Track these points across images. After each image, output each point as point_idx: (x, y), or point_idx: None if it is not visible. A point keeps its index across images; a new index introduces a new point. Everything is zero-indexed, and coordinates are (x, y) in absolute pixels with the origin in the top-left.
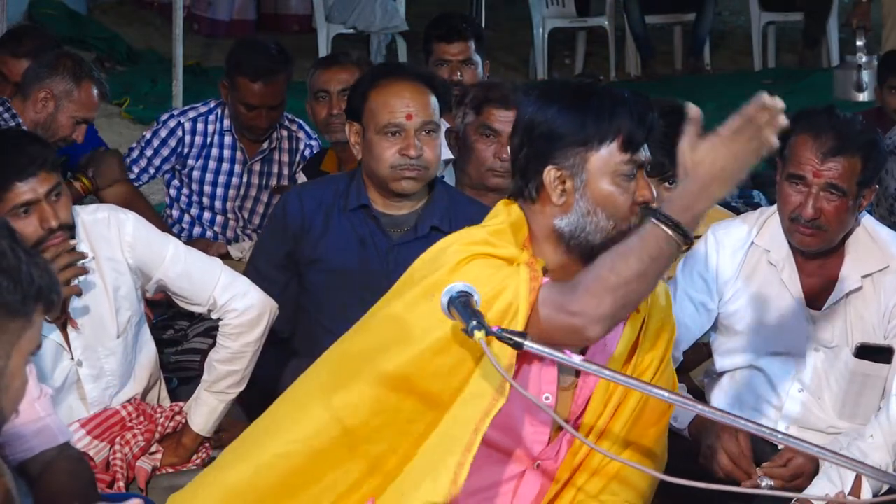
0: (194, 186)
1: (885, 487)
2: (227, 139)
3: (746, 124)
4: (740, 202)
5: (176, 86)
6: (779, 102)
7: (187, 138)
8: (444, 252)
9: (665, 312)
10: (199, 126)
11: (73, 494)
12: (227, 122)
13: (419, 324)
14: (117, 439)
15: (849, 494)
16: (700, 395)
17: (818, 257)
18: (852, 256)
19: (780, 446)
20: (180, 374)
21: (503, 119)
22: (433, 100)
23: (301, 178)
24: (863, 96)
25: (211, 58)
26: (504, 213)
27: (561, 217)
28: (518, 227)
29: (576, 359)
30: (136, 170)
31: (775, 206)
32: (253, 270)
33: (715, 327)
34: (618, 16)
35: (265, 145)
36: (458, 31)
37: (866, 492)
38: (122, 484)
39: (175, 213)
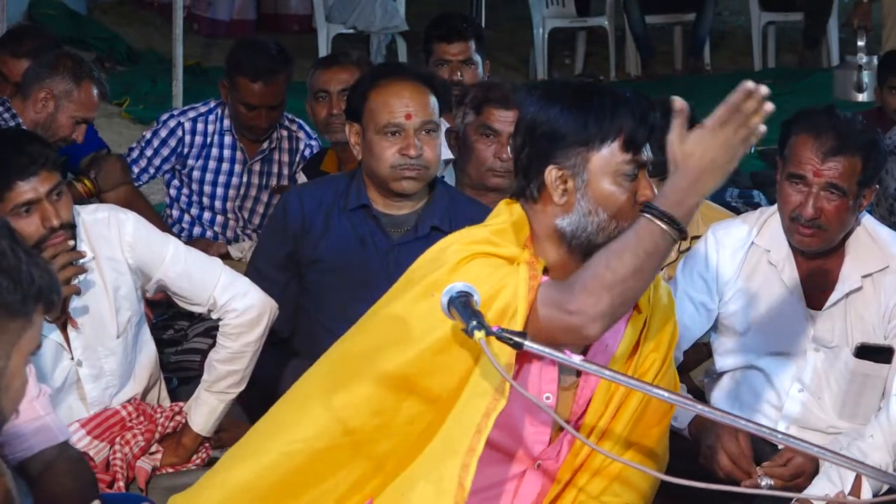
0: (194, 186)
1: (885, 487)
2: (227, 139)
3: (733, 114)
4: (740, 202)
5: (176, 86)
6: (763, 89)
7: (187, 138)
8: (444, 251)
9: (667, 313)
10: (199, 126)
11: (74, 495)
12: (227, 122)
13: (419, 324)
14: (117, 439)
15: (849, 494)
16: (700, 395)
17: (818, 257)
18: (852, 256)
19: (780, 446)
20: (180, 374)
21: (503, 119)
22: (433, 99)
23: (301, 178)
24: (863, 96)
25: (211, 58)
26: (506, 213)
27: (562, 217)
28: (519, 226)
29: (576, 359)
30: (136, 170)
31: (775, 206)
32: (253, 271)
33: (715, 327)
34: (618, 16)
35: (265, 145)
36: (458, 31)
37: (866, 492)
38: (122, 484)
39: (175, 213)
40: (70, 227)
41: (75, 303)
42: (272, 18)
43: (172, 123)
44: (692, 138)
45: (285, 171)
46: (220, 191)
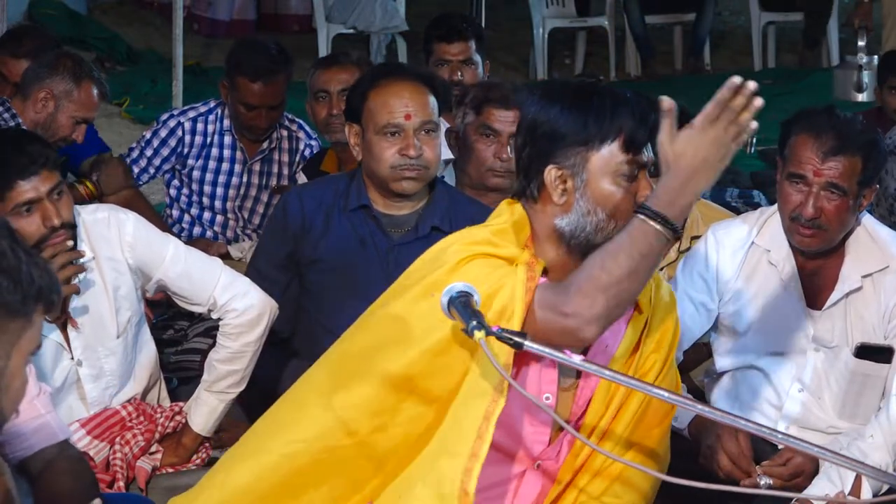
0: (194, 186)
1: (885, 487)
2: (227, 139)
3: (721, 110)
4: (740, 202)
5: (176, 86)
6: (751, 84)
7: (187, 138)
8: (444, 252)
9: (669, 314)
10: (199, 126)
11: (74, 494)
12: (227, 122)
13: (419, 324)
14: (117, 439)
15: (849, 494)
16: (700, 395)
17: (818, 257)
18: (852, 256)
19: (779, 446)
20: (180, 374)
21: (503, 119)
22: (432, 99)
23: (301, 178)
24: (862, 96)
25: (211, 58)
26: (507, 213)
27: (561, 217)
28: (520, 226)
29: (576, 359)
30: (136, 170)
31: (775, 206)
32: (254, 271)
33: (715, 327)
34: (618, 16)
35: (265, 145)
36: (458, 31)
37: (866, 492)
38: (122, 484)
39: (175, 213)
40: (71, 227)
41: (75, 303)
42: (272, 18)
43: (172, 123)
44: (682, 138)
45: (285, 171)
46: (220, 191)
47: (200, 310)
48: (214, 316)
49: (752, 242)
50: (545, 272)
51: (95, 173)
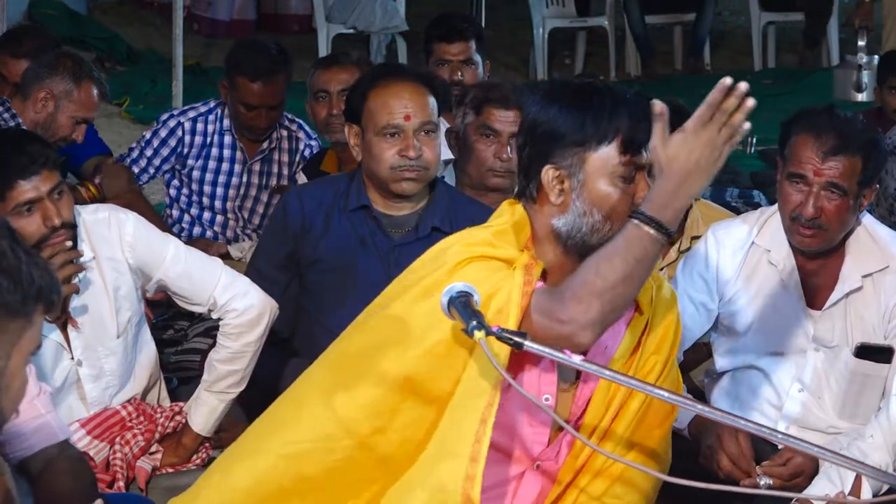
0: (194, 186)
1: (885, 487)
2: (227, 139)
3: (713, 112)
4: (740, 202)
5: (176, 86)
6: (743, 85)
7: (187, 138)
8: (443, 253)
9: (670, 315)
10: (199, 126)
11: (74, 494)
12: (226, 122)
13: (419, 324)
14: (117, 439)
15: (849, 494)
16: (700, 395)
17: (819, 257)
18: (853, 256)
19: (779, 446)
20: (180, 374)
21: (503, 119)
22: (432, 100)
23: (301, 178)
24: (862, 96)
25: (211, 58)
26: (508, 213)
27: (558, 217)
28: (520, 227)
29: (576, 359)
30: (136, 170)
31: (776, 205)
32: (254, 271)
33: (715, 327)
34: (618, 16)
35: (265, 145)
36: (458, 31)
37: (866, 492)
38: (122, 484)
39: (175, 213)
40: (71, 227)
41: (75, 302)
42: (272, 18)
43: (172, 123)
44: (675, 141)
45: (285, 171)
46: (219, 191)
47: (200, 310)
48: (214, 316)
49: (753, 242)
50: (544, 274)
51: (98, 176)
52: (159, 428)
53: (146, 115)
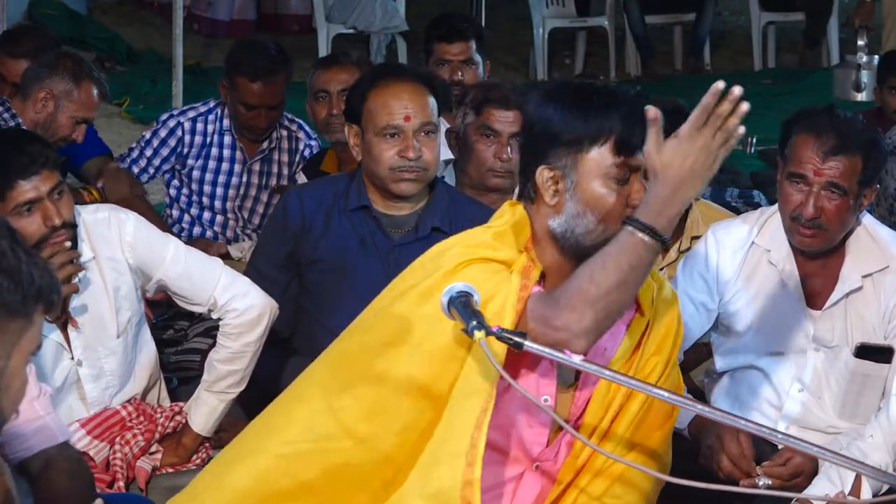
0: (194, 186)
1: (885, 487)
2: (227, 139)
3: (706, 117)
4: (740, 202)
5: (176, 86)
6: (737, 90)
7: (187, 138)
8: (443, 254)
9: (672, 316)
10: (199, 126)
11: (73, 494)
12: (226, 122)
13: (419, 325)
14: (117, 439)
15: (849, 494)
16: (700, 395)
17: (819, 257)
18: (853, 256)
19: (779, 446)
20: (180, 374)
21: (503, 119)
22: (432, 100)
23: (301, 178)
24: (861, 96)
25: (211, 58)
26: (508, 214)
27: (553, 218)
28: (520, 228)
29: (576, 359)
30: (135, 170)
31: (776, 205)
32: (253, 271)
33: (715, 327)
34: (618, 16)
35: (265, 145)
36: (458, 31)
37: (866, 492)
38: (122, 484)
39: (175, 213)
40: (71, 227)
41: (75, 302)
42: (272, 18)
43: (172, 123)
44: (669, 147)
45: (285, 171)
46: (219, 191)
47: (201, 310)
48: (215, 316)
49: (753, 242)
50: (543, 276)
51: (101, 181)
52: (159, 428)
53: (146, 115)
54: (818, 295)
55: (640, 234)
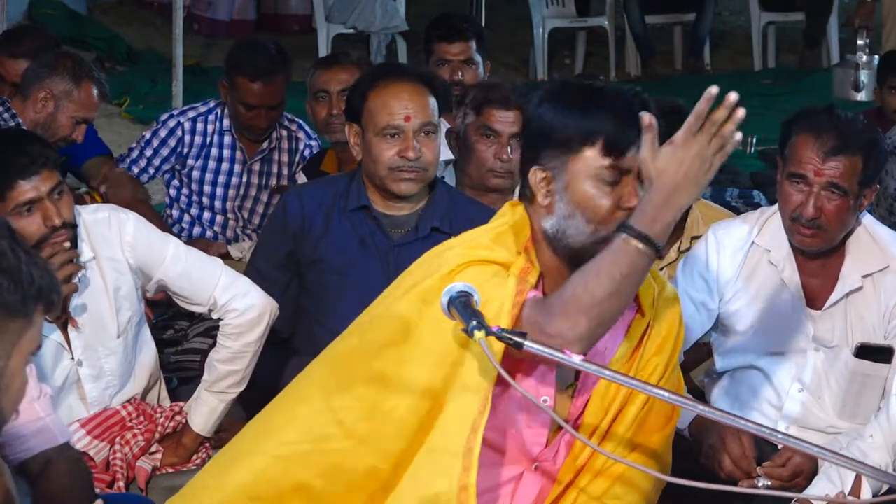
0: (194, 186)
1: (885, 487)
2: (227, 139)
3: (700, 123)
4: (740, 202)
5: (176, 86)
6: (732, 96)
7: (187, 138)
8: (443, 255)
9: (673, 317)
10: (199, 126)
11: (73, 494)
12: (226, 122)
13: (418, 325)
14: (117, 439)
15: (849, 494)
16: (700, 395)
17: (819, 257)
18: (853, 256)
19: (779, 446)
20: (180, 374)
21: (503, 120)
22: (432, 101)
23: (301, 178)
24: (860, 96)
25: (211, 58)
26: (508, 215)
27: (546, 218)
28: (519, 228)
29: (576, 359)
30: (135, 170)
31: (776, 205)
32: (253, 271)
33: (715, 327)
34: (618, 16)
35: (265, 145)
36: (459, 31)
37: (866, 492)
38: (122, 484)
39: (175, 213)
40: (72, 227)
41: (75, 302)
42: (272, 18)
43: (172, 123)
44: (664, 153)
45: (285, 171)
46: (219, 191)
47: (201, 310)
48: (215, 316)
49: (753, 242)
50: (541, 277)
51: (103, 185)
52: (159, 428)
53: (146, 115)
54: (818, 295)
55: (634, 242)
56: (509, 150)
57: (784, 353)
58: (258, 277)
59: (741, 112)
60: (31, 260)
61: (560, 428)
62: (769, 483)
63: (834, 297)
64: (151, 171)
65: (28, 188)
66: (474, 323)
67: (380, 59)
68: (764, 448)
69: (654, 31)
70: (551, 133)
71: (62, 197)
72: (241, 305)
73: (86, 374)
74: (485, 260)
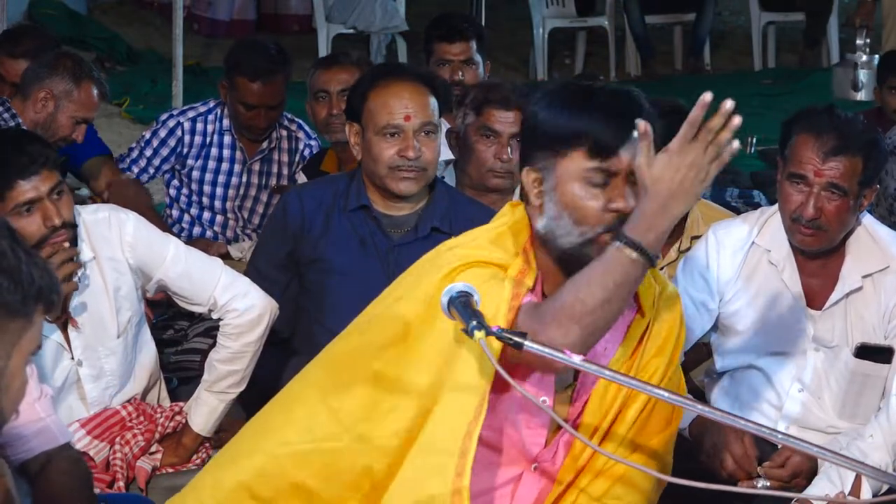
0: (194, 186)
1: (885, 487)
2: (227, 139)
3: (695, 131)
4: (740, 202)
5: (176, 86)
6: (728, 104)
7: (186, 138)
8: (443, 255)
9: (674, 318)
10: (199, 126)
11: (71, 494)
12: (226, 122)
13: (417, 325)
14: (117, 439)
15: (849, 494)
16: (700, 395)
17: (819, 257)
18: (853, 256)
19: (779, 446)
20: (180, 374)
21: (503, 120)
22: (432, 100)
23: (301, 178)
24: (860, 95)
25: (211, 58)
26: (508, 215)
27: (539, 219)
28: (518, 229)
29: (576, 359)
30: (135, 170)
31: (776, 205)
32: (253, 271)
33: (715, 327)
34: (618, 16)
35: (265, 145)
36: (459, 31)
37: (866, 492)
38: (122, 484)
39: (175, 213)
40: (72, 227)
41: (75, 302)
42: (272, 18)
43: (172, 123)
44: (660, 161)
45: (285, 171)
46: (219, 191)
47: (201, 310)
48: (215, 316)
49: (753, 242)
50: (540, 279)
51: (106, 192)
52: (159, 428)
53: (146, 115)
54: (818, 295)
55: (628, 251)
56: (509, 150)
57: (784, 353)
58: (258, 277)
59: (737, 120)
60: (31, 260)
61: (559, 428)
62: (768, 484)
63: (834, 297)
64: (151, 171)
65: (28, 188)
66: (474, 323)
67: (380, 59)
68: (765, 448)
69: (654, 31)
70: (541, 134)
71: (62, 197)
72: (241, 305)
73: (86, 374)
74: (483, 261)
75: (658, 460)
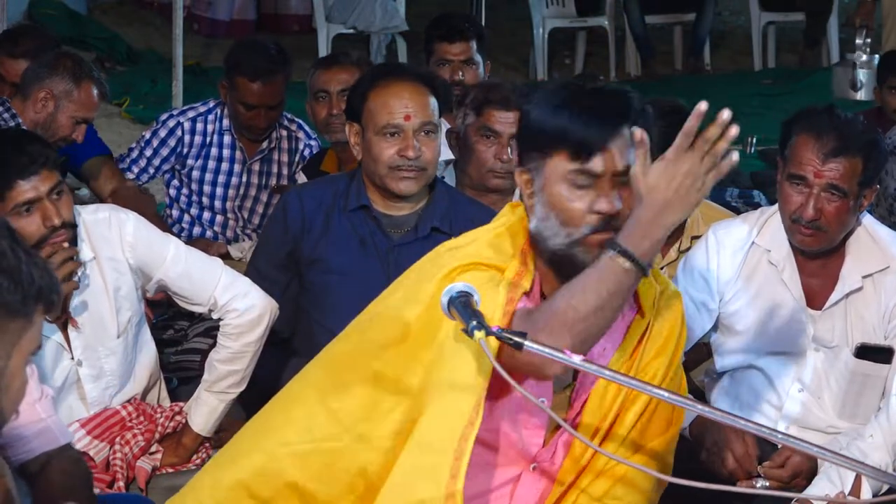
0: (194, 186)
1: (885, 487)
2: (227, 139)
3: (690, 140)
4: (740, 202)
5: (176, 86)
6: (725, 114)
7: (186, 138)
8: (442, 256)
9: (675, 319)
10: (199, 126)
11: (70, 494)
12: (226, 122)
13: (416, 326)
14: (117, 439)
15: (849, 494)
16: (700, 395)
17: (819, 257)
18: (853, 256)
19: (779, 445)
20: (180, 374)
21: (503, 120)
22: (432, 100)
23: (301, 178)
24: (860, 95)
25: (211, 58)
26: (507, 216)
27: (531, 220)
28: (516, 230)
29: (576, 359)
30: (135, 170)
31: (776, 205)
32: (254, 271)
33: (715, 327)
34: (618, 16)
35: (264, 145)
36: (459, 31)
37: (866, 492)
38: (122, 484)
39: (175, 213)
40: (71, 227)
41: (75, 302)
42: (272, 18)
43: (172, 123)
44: (655, 170)
45: (285, 171)
46: (219, 191)
47: (201, 310)
48: (215, 316)
49: (753, 242)
50: (537, 281)
51: (111, 200)
52: (159, 428)
53: (146, 115)
54: (818, 295)
55: (621, 260)
56: (509, 150)
57: (784, 353)
58: (258, 277)
59: (734, 130)
60: (31, 260)
61: (557, 428)
62: (768, 484)
63: (834, 297)
64: (151, 171)
65: (27, 188)
66: (474, 323)
67: (380, 59)
68: (765, 448)
69: (654, 31)
70: (531, 134)
71: (62, 197)
72: (241, 305)
73: (86, 374)
74: (482, 263)
75: (658, 461)
